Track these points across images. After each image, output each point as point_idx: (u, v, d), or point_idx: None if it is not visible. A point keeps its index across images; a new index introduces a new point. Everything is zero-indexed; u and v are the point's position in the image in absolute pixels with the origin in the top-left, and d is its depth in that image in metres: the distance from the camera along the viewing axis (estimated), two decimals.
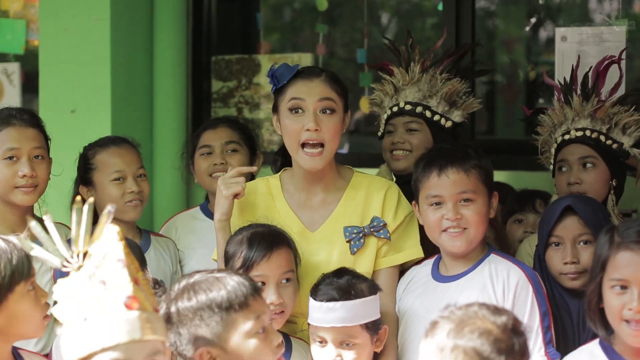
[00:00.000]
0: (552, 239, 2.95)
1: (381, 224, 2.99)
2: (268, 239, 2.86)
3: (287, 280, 2.87)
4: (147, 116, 4.77)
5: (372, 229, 2.99)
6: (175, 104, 4.81)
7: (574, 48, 3.96)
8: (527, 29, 5.77)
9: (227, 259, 2.89)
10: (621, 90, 3.41)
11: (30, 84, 5.02)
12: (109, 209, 2.03)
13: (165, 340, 2.07)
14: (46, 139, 3.30)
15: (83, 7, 4.52)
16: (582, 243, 2.93)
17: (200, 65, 5.02)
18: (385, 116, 3.50)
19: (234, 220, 3.04)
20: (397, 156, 3.42)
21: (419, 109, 3.43)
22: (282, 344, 2.39)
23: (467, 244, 2.84)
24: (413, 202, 2.96)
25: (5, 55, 5.16)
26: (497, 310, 2.08)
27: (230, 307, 2.31)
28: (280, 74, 3.00)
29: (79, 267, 2.03)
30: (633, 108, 3.32)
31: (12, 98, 4.97)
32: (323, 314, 2.74)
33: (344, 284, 2.77)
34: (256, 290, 2.38)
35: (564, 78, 3.44)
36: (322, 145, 2.94)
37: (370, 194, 3.03)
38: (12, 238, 2.33)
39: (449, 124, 3.46)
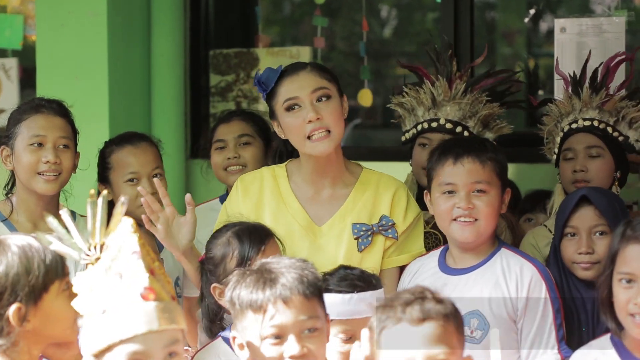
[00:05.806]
0: (568, 229, 2.95)
1: (390, 224, 2.98)
2: (257, 232, 2.81)
3: None
4: (145, 111, 4.76)
5: (380, 228, 2.97)
6: (173, 98, 4.80)
7: (574, 39, 3.95)
8: (527, 20, 5.75)
9: (216, 263, 2.80)
10: (629, 87, 3.45)
11: (28, 80, 5.01)
12: (122, 200, 2.07)
13: (184, 328, 2.08)
14: (74, 131, 3.30)
15: (79, 3, 4.52)
16: (597, 234, 2.93)
17: (198, 59, 5.01)
18: (419, 127, 3.50)
19: (237, 205, 3.01)
20: None
21: (458, 129, 3.46)
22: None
23: (477, 235, 2.80)
24: (425, 191, 2.94)
25: (3, 50, 5.16)
26: None
27: None
28: (266, 78, 2.97)
29: (97, 259, 2.06)
30: None
31: (10, 93, 4.97)
32: (354, 306, 2.57)
33: (360, 275, 2.66)
34: None
35: (574, 71, 3.47)
36: (328, 131, 2.91)
37: (380, 193, 3.01)
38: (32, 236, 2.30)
39: None
